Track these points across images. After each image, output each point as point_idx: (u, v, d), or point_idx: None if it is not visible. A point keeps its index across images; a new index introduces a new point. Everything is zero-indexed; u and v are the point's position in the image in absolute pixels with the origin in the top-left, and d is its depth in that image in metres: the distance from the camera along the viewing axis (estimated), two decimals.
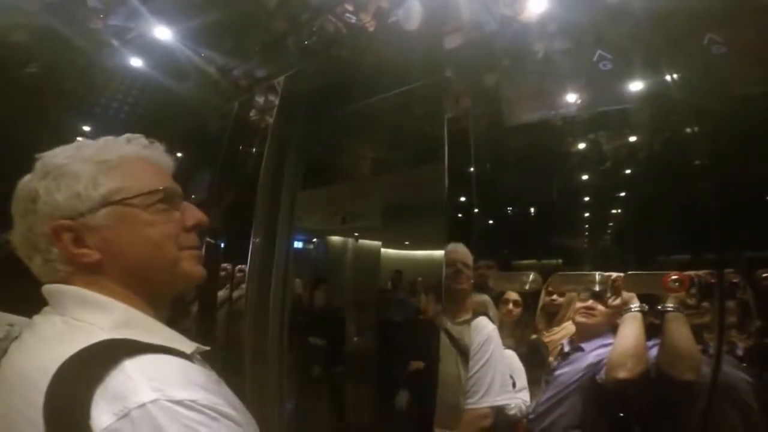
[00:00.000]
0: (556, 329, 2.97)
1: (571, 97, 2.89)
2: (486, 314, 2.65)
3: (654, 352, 2.11)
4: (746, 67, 2.11)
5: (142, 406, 0.67)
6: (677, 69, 2.21)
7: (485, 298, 2.94)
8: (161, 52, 4.22)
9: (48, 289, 0.89)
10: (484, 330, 2.53)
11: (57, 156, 0.90)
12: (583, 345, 2.35)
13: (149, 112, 5.84)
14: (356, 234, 3.04)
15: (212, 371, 0.87)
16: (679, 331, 2.01)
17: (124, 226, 0.87)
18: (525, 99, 2.96)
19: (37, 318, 0.91)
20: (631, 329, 2.09)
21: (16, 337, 0.93)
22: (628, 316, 2.14)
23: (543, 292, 3.11)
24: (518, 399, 2.53)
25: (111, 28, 4.21)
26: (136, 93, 5.72)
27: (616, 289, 2.24)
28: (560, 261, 2.99)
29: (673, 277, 2.04)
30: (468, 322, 2.56)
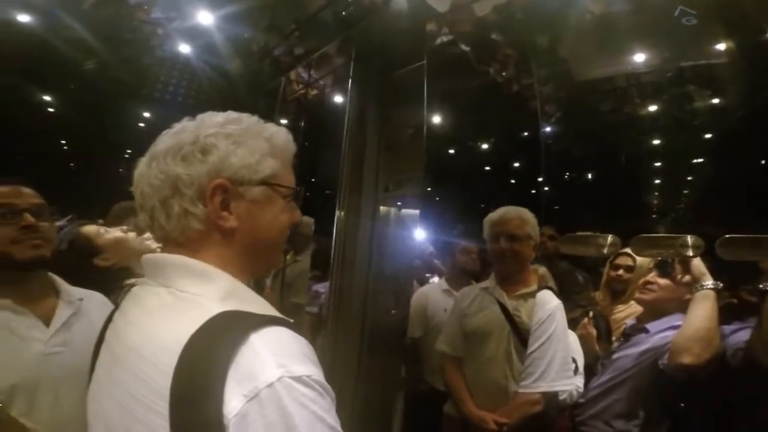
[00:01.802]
0: (620, 307, 2.73)
1: (647, 55, 2.59)
2: (549, 288, 2.38)
3: (740, 336, 1.84)
4: None
5: (271, 385, 0.66)
6: None
7: (542, 270, 2.74)
8: (206, 37, 4.29)
9: (151, 258, 0.88)
10: (547, 305, 2.24)
11: (241, 121, 0.91)
12: (649, 326, 2.09)
13: (202, 94, 6.04)
14: (399, 204, 2.87)
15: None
16: None
17: (266, 206, 0.90)
18: (595, 57, 2.69)
19: (137, 289, 0.90)
20: (702, 309, 1.83)
21: (116, 308, 0.94)
22: (699, 294, 1.88)
23: (608, 265, 2.85)
24: (574, 385, 2.24)
25: (156, 20, 4.31)
26: (188, 78, 5.92)
27: (685, 263, 1.98)
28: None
29: None
30: (528, 295, 2.32)
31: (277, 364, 0.67)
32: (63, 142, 8.80)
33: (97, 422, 0.83)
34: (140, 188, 0.87)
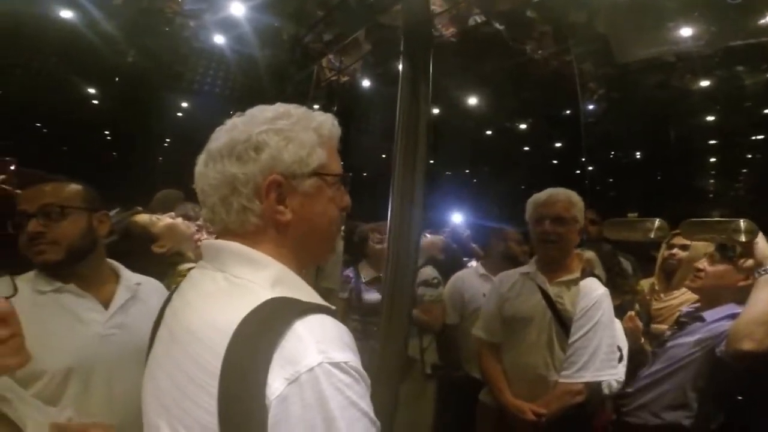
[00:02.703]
0: (675, 293, 2.60)
1: (691, 32, 2.43)
2: (594, 274, 2.27)
3: None
4: None
5: (311, 370, 0.70)
6: None
7: (590, 254, 2.63)
8: (237, 27, 4.32)
9: (211, 244, 0.92)
10: (592, 293, 2.14)
11: (290, 115, 0.93)
12: (705, 314, 1.99)
13: (236, 84, 6.13)
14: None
15: None
16: None
17: (318, 197, 0.92)
18: (636, 33, 2.55)
19: (195, 272, 0.95)
20: (765, 293, 1.73)
21: (175, 289, 0.99)
22: (762, 279, 1.76)
23: (663, 246, 2.72)
24: (619, 375, 2.19)
25: (189, 11, 4.37)
26: (223, 68, 6.00)
27: (747, 247, 1.84)
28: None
29: None
30: (571, 282, 2.21)
31: (318, 350, 0.71)
32: (106, 133, 9.13)
33: (151, 399, 0.87)
34: (200, 186, 0.91)
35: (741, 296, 1.86)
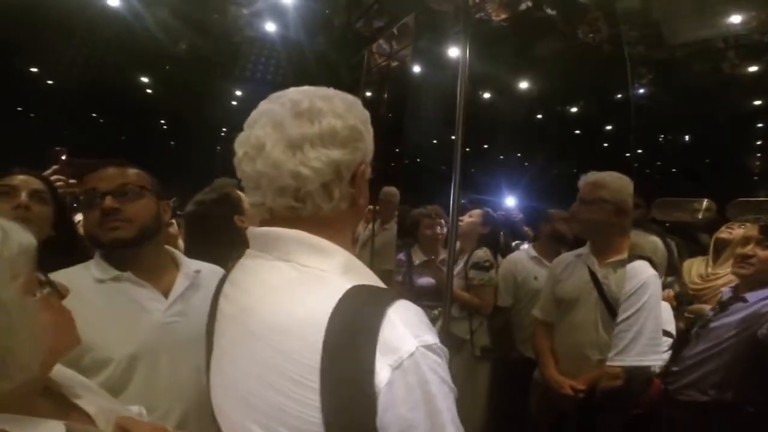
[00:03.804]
0: (719, 272, 2.60)
1: (744, 16, 2.39)
2: (648, 258, 2.24)
3: None
4: None
5: (412, 354, 0.73)
6: None
7: (653, 239, 2.62)
8: (289, 14, 4.41)
9: (267, 232, 0.90)
10: (639, 276, 2.14)
11: (357, 101, 0.95)
12: (748, 295, 2.02)
13: (290, 71, 6.23)
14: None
15: None
16: None
17: (365, 181, 0.94)
18: (689, 18, 2.52)
19: (248, 262, 0.94)
20: None
21: (224, 278, 1.01)
22: None
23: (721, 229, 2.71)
24: (662, 360, 2.18)
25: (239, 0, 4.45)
26: (275, 55, 6.12)
27: None
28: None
29: None
30: (620, 264, 2.23)
31: (413, 335, 0.75)
32: (162, 122, 9.36)
33: (232, 400, 0.87)
34: (285, 171, 0.85)
35: None
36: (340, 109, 0.89)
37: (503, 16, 2.88)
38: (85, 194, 1.38)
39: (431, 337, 0.77)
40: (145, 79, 8.08)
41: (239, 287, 0.93)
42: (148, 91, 8.28)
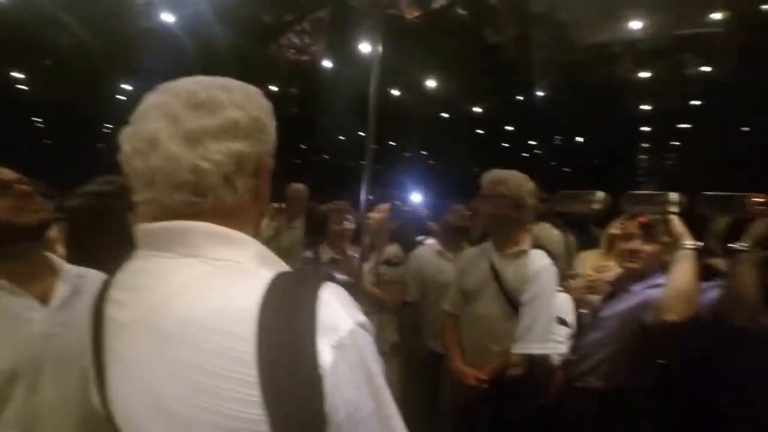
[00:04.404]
0: (611, 265, 2.78)
1: (643, 23, 2.60)
2: (544, 249, 2.37)
3: (711, 295, 1.94)
4: None
5: (351, 333, 0.73)
6: None
7: (552, 231, 2.77)
8: (191, 5, 4.19)
9: (166, 227, 0.83)
10: (535, 265, 2.25)
11: (261, 95, 0.91)
12: (631, 286, 2.15)
13: (188, 64, 5.91)
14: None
15: None
16: (747, 272, 1.83)
17: (268, 173, 0.91)
18: (588, 23, 2.69)
19: (143, 264, 0.86)
20: (683, 269, 1.87)
21: (106, 286, 0.92)
22: (680, 254, 1.90)
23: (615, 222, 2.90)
24: (558, 348, 2.29)
25: None
26: (173, 48, 5.78)
27: (667, 224, 2.00)
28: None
29: (757, 198, 1.79)
30: (518, 255, 2.32)
31: (348, 315, 0.75)
32: (36, 119, 8.62)
33: (138, 405, 0.81)
34: (184, 166, 0.80)
35: (662, 267, 2.04)
36: (241, 100, 0.85)
37: (416, 14, 2.90)
38: None
39: (362, 316, 0.78)
40: (20, 75, 7.60)
41: (135, 290, 0.85)
42: (23, 87, 7.77)
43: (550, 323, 2.23)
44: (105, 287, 0.92)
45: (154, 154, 0.79)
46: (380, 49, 2.55)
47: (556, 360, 2.29)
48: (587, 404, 2.18)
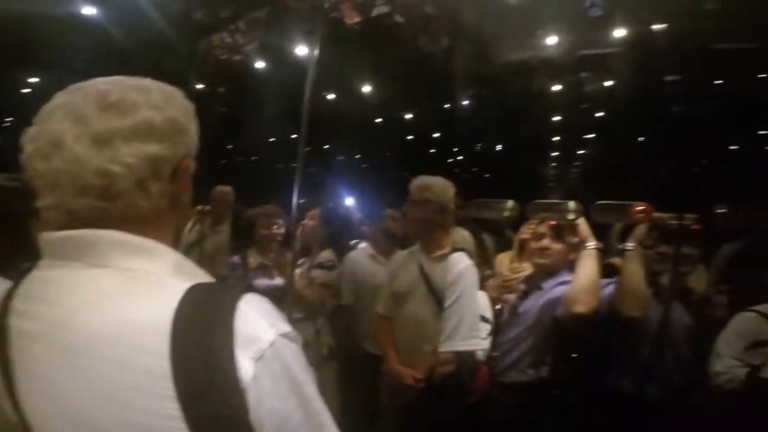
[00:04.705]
0: (525, 266, 2.94)
1: (556, 39, 2.85)
2: (465, 250, 2.50)
3: (608, 290, 2.18)
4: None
5: (272, 344, 0.71)
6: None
7: (463, 233, 2.89)
8: None
9: (79, 236, 0.78)
10: (458, 266, 2.38)
11: (181, 95, 0.88)
12: (543, 283, 2.35)
13: (107, 58, 5.61)
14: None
15: None
16: (634, 268, 2.10)
17: (188, 177, 0.87)
18: (509, 39, 2.90)
19: (48, 273, 0.81)
20: (588, 266, 2.12)
21: (8, 297, 0.82)
22: (585, 253, 2.16)
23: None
24: (483, 345, 2.40)
25: None
26: (91, 40, 5.47)
27: (574, 227, 2.26)
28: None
29: (639, 207, 2.13)
30: (443, 257, 2.44)
31: (269, 325, 0.73)
32: None
33: (53, 417, 0.76)
34: (92, 170, 0.76)
35: (569, 266, 2.28)
36: (158, 101, 0.82)
37: (357, 19, 2.97)
38: None
39: (286, 326, 0.76)
40: None
41: (41, 302, 0.79)
42: None
43: (475, 321, 2.36)
44: (7, 297, 0.84)
45: (57, 155, 0.76)
46: (317, 52, 2.62)
47: (480, 356, 2.41)
48: (511, 398, 2.33)
